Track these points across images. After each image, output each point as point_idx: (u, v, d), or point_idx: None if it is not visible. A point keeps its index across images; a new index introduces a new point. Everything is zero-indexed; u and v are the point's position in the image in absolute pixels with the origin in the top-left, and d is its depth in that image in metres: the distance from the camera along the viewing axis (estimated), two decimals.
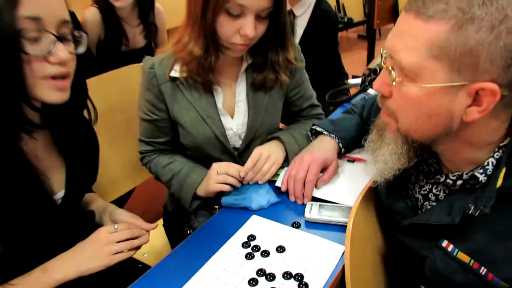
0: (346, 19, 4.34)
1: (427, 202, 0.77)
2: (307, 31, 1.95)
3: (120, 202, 1.55)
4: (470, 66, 0.54)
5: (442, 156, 0.71)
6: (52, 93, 0.67)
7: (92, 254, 0.77)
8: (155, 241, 1.35)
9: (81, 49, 0.71)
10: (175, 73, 1.01)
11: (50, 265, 0.75)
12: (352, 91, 1.69)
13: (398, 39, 0.60)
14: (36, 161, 0.72)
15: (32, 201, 0.71)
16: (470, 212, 0.61)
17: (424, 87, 0.58)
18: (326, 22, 1.92)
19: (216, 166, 0.99)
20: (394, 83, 0.62)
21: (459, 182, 0.68)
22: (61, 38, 0.66)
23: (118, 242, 0.79)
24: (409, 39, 0.58)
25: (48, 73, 0.65)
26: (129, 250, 0.80)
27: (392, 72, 0.62)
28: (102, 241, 0.78)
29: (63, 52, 0.66)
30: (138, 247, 0.83)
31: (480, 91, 0.56)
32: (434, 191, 0.76)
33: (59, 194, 0.80)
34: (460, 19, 0.54)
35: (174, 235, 1.23)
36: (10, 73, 0.61)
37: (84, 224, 0.85)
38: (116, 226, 0.81)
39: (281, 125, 1.24)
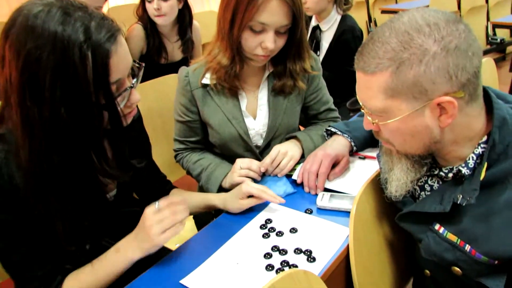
0: None
1: (423, 192, 0.87)
2: (332, 44, 2.07)
3: None
4: (421, 92, 0.67)
5: (436, 155, 0.81)
6: (126, 121, 0.78)
7: (144, 236, 0.81)
8: (186, 233, 1.50)
9: (139, 81, 0.79)
10: (206, 80, 1.16)
11: (120, 245, 0.83)
12: None
13: (361, 93, 0.74)
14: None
15: (90, 198, 0.79)
16: (458, 202, 0.72)
17: (396, 119, 0.71)
18: (350, 36, 2.02)
19: (239, 162, 1.13)
20: (374, 124, 0.76)
21: (450, 174, 0.79)
22: (133, 85, 0.75)
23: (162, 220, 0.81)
24: (367, 91, 0.72)
25: (126, 113, 0.76)
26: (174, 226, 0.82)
27: (369, 117, 0.76)
28: (146, 223, 0.81)
29: (136, 96, 0.77)
30: (182, 222, 0.84)
31: (440, 103, 0.67)
32: (429, 182, 0.85)
33: (112, 193, 0.91)
34: (393, 65, 0.67)
35: (203, 226, 1.37)
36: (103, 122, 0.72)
37: (130, 220, 0.91)
38: (157, 206, 0.83)
39: (301, 128, 1.36)
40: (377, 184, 0.95)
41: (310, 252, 0.86)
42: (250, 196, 1.00)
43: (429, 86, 0.66)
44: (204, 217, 1.37)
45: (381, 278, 0.96)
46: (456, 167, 0.77)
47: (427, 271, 0.95)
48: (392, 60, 0.67)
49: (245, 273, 0.83)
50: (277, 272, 0.82)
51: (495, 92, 0.77)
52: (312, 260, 0.84)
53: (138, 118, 1.01)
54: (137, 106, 0.95)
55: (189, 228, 1.51)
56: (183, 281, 0.82)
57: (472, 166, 0.74)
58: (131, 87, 0.75)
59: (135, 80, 0.78)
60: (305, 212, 1.00)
